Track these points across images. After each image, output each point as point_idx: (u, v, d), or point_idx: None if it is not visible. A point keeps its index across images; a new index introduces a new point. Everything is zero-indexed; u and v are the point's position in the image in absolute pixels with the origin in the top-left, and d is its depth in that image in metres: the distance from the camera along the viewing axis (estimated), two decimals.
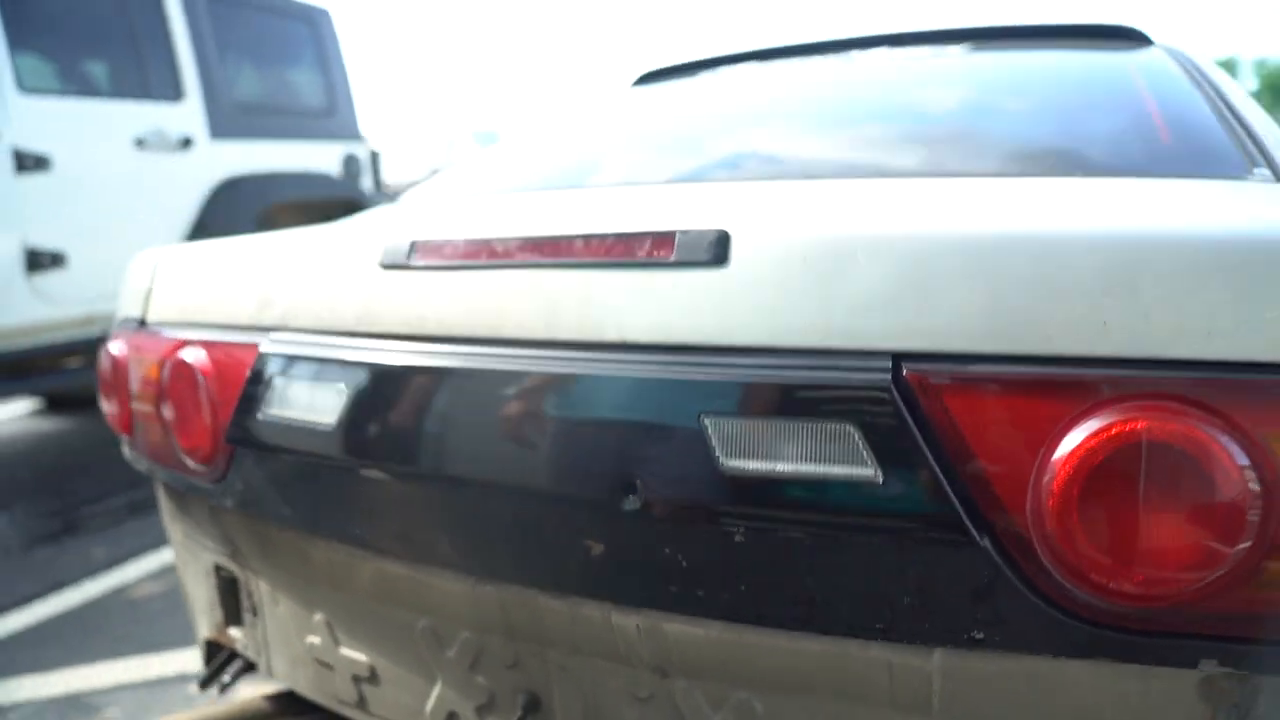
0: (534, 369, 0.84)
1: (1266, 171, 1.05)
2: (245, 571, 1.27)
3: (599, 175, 1.45)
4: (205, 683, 1.39)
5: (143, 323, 1.26)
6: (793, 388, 0.73)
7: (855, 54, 1.82)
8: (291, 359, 1.01)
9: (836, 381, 0.72)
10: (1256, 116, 1.31)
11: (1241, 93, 1.49)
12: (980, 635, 0.73)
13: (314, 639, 1.19)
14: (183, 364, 1.13)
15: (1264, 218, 0.76)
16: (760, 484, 0.75)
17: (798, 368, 0.74)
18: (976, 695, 0.77)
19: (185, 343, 1.15)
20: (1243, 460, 0.64)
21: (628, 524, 0.80)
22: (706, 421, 0.76)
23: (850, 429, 0.71)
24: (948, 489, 0.69)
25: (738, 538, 0.77)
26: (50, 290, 3.30)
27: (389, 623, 1.10)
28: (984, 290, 0.70)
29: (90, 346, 3.51)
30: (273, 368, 1.03)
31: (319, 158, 4.63)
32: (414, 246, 0.95)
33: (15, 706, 2.04)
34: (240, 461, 1.09)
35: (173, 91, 3.85)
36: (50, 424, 4.69)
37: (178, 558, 1.45)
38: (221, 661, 1.40)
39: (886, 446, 0.71)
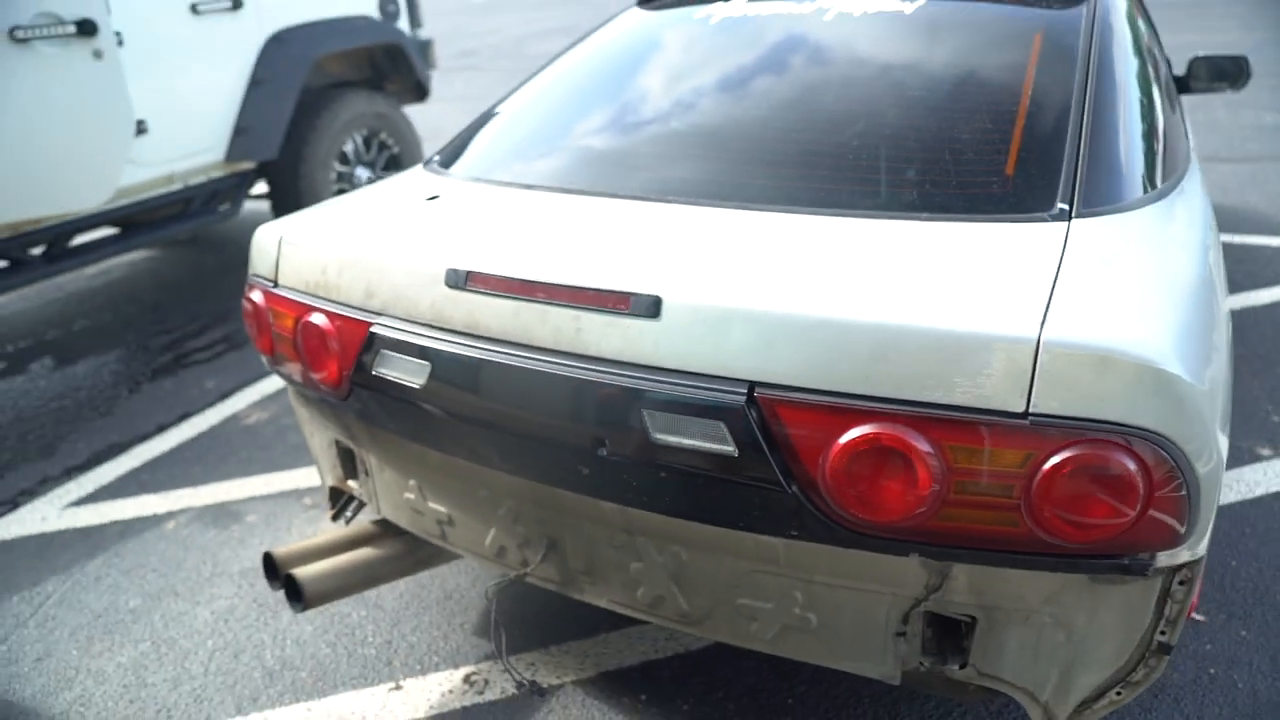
0: (546, 367, 1.38)
1: (1063, 206, 1.48)
2: (359, 447, 1.88)
3: (593, 175, 1.83)
4: (335, 516, 2.04)
5: (275, 283, 1.78)
6: (693, 396, 1.27)
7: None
8: (390, 338, 1.54)
9: (717, 396, 1.25)
10: (1123, 104, 1.68)
11: (1128, 64, 1.84)
12: (795, 533, 1.30)
13: (410, 495, 1.81)
14: (313, 325, 1.66)
15: (961, 306, 1.21)
16: (675, 450, 1.30)
17: (698, 385, 1.27)
18: (803, 559, 1.36)
19: (312, 309, 1.67)
20: (930, 452, 1.18)
21: (602, 462, 1.37)
22: (644, 411, 1.30)
23: (721, 424, 1.25)
24: (772, 462, 1.24)
25: (663, 474, 1.33)
26: (137, 155, 3.76)
27: (460, 491, 1.70)
28: (803, 351, 1.22)
29: (173, 200, 4.04)
30: (379, 341, 1.56)
31: (357, 2, 4.86)
32: (468, 276, 1.45)
33: (179, 512, 2.77)
34: (358, 392, 1.65)
35: None
36: (144, 267, 5.29)
37: (305, 428, 2.05)
38: (343, 502, 2.05)
39: (741, 436, 1.25)
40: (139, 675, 2.11)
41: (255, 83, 4.25)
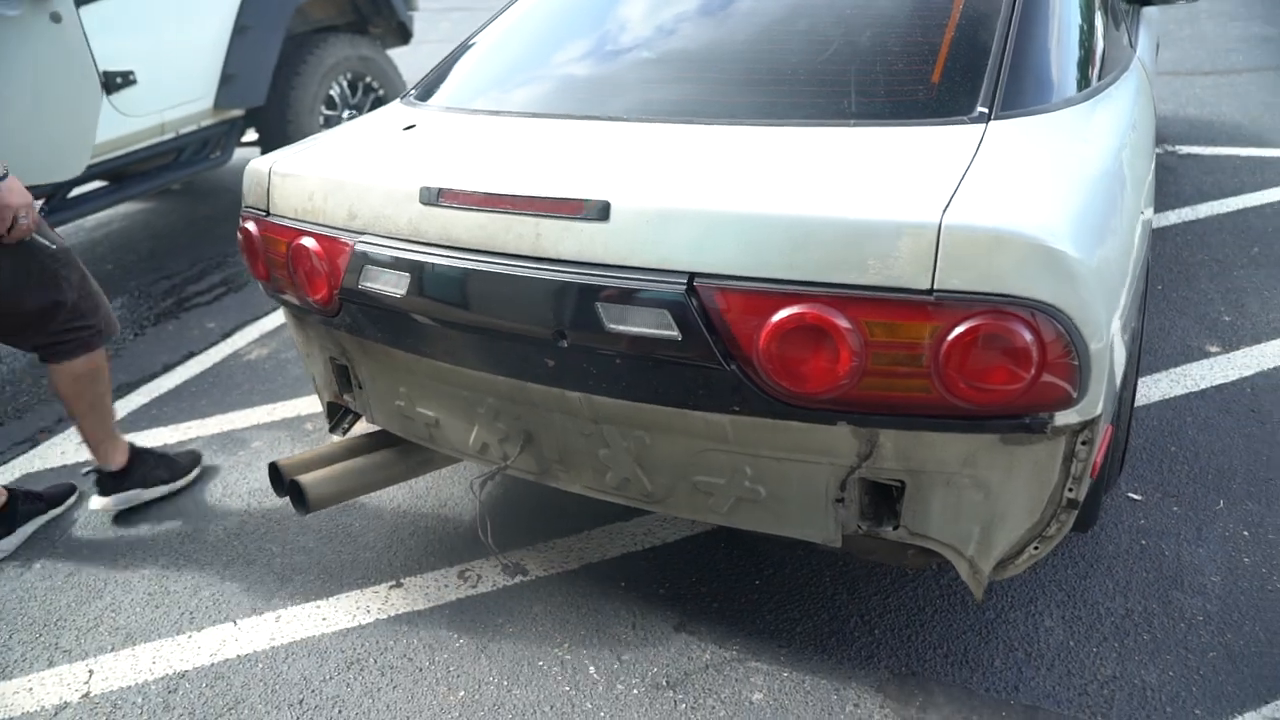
0: (514, 271, 1.52)
1: (983, 109, 1.61)
2: (351, 362, 2.03)
3: (551, 100, 1.97)
4: (333, 428, 2.21)
5: (267, 213, 1.92)
6: (641, 289, 1.41)
7: None
8: (372, 254, 1.68)
9: (661, 287, 1.40)
10: (1052, 13, 1.80)
11: None
12: (737, 408, 1.46)
13: (400, 402, 1.97)
14: (303, 248, 1.80)
15: (879, 191, 1.36)
16: (626, 337, 1.44)
17: (644, 278, 1.41)
18: (748, 434, 1.52)
19: (302, 233, 1.81)
20: (850, 329, 1.32)
21: (564, 353, 1.52)
22: (598, 305, 1.44)
23: (666, 312, 1.40)
24: (711, 344, 1.39)
25: (617, 361, 1.48)
26: (127, 106, 3.85)
27: (444, 394, 1.86)
28: (737, 243, 1.36)
29: (165, 150, 4.14)
30: (362, 257, 1.70)
31: None
32: (440, 193, 1.59)
33: (189, 441, 2.94)
34: (347, 307, 1.79)
35: None
36: (139, 218, 5.40)
37: (300, 349, 2.21)
38: (340, 415, 2.21)
39: (683, 321, 1.39)
40: (162, 584, 2.30)
41: (239, 30, 4.32)
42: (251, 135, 4.75)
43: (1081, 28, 1.94)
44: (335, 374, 2.12)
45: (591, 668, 1.92)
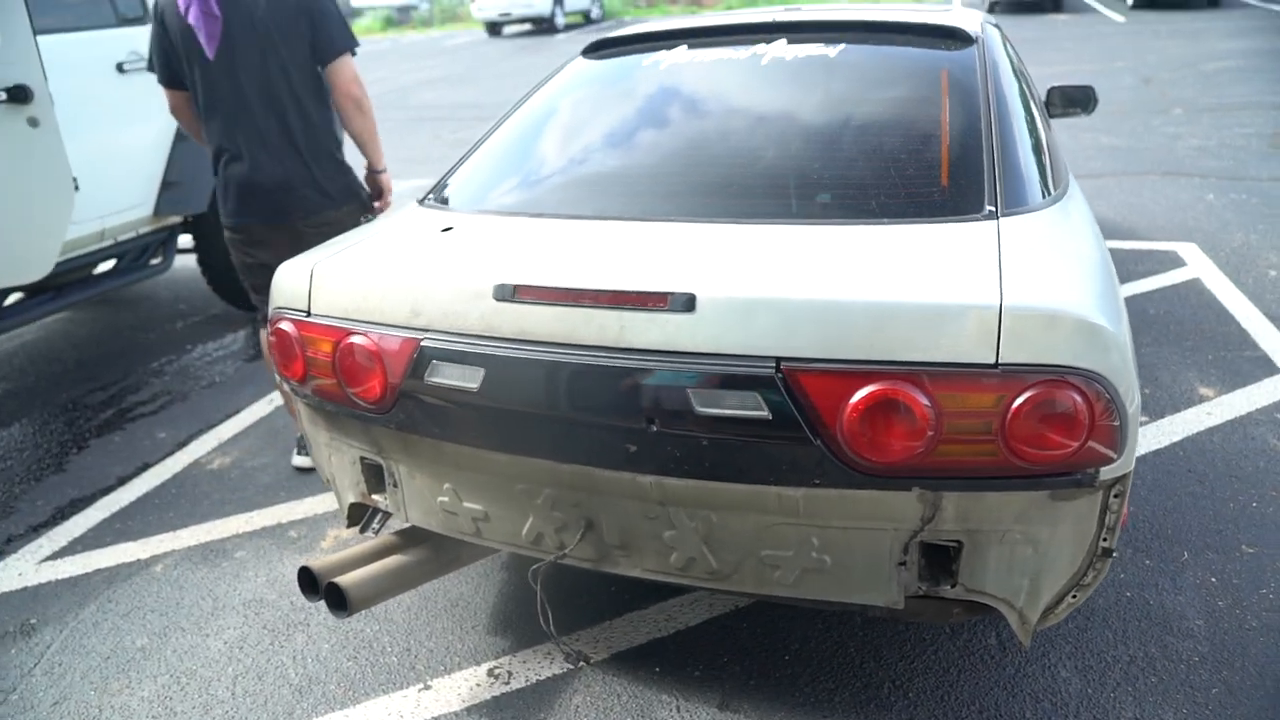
0: (597, 362, 1.61)
1: (990, 208, 1.84)
2: (388, 460, 2.04)
3: (594, 201, 2.12)
4: (362, 529, 2.19)
5: (308, 313, 1.95)
6: (731, 374, 1.53)
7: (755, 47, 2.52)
8: (441, 350, 1.74)
9: (751, 371, 1.52)
10: (1018, 126, 2.08)
11: (1014, 91, 2.25)
12: (818, 481, 1.58)
13: (444, 498, 1.98)
14: (355, 346, 1.84)
15: (935, 282, 1.54)
16: (716, 419, 1.55)
17: (733, 365, 1.53)
18: (820, 506, 1.63)
19: (352, 332, 1.85)
20: (926, 402, 1.47)
21: (650, 437, 1.61)
22: (688, 390, 1.55)
23: (756, 394, 1.52)
24: (799, 421, 1.51)
25: (704, 443, 1.58)
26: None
27: (497, 486, 1.90)
28: (818, 328, 1.50)
29: (104, 257, 4.03)
30: (430, 353, 1.75)
31: None
32: (516, 289, 1.68)
33: (163, 555, 2.81)
34: (403, 403, 1.83)
35: (141, 11, 4.17)
36: (56, 328, 5.16)
37: (322, 451, 2.19)
38: (368, 516, 2.20)
39: (772, 402, 1.52)
40: (166, 706, 2.18)
41: (180, 138, 4.30)
42: (186, 240, 4.67)
43: (1038, 135, 2.25)
44: (365, 473, 2.12)
45: None
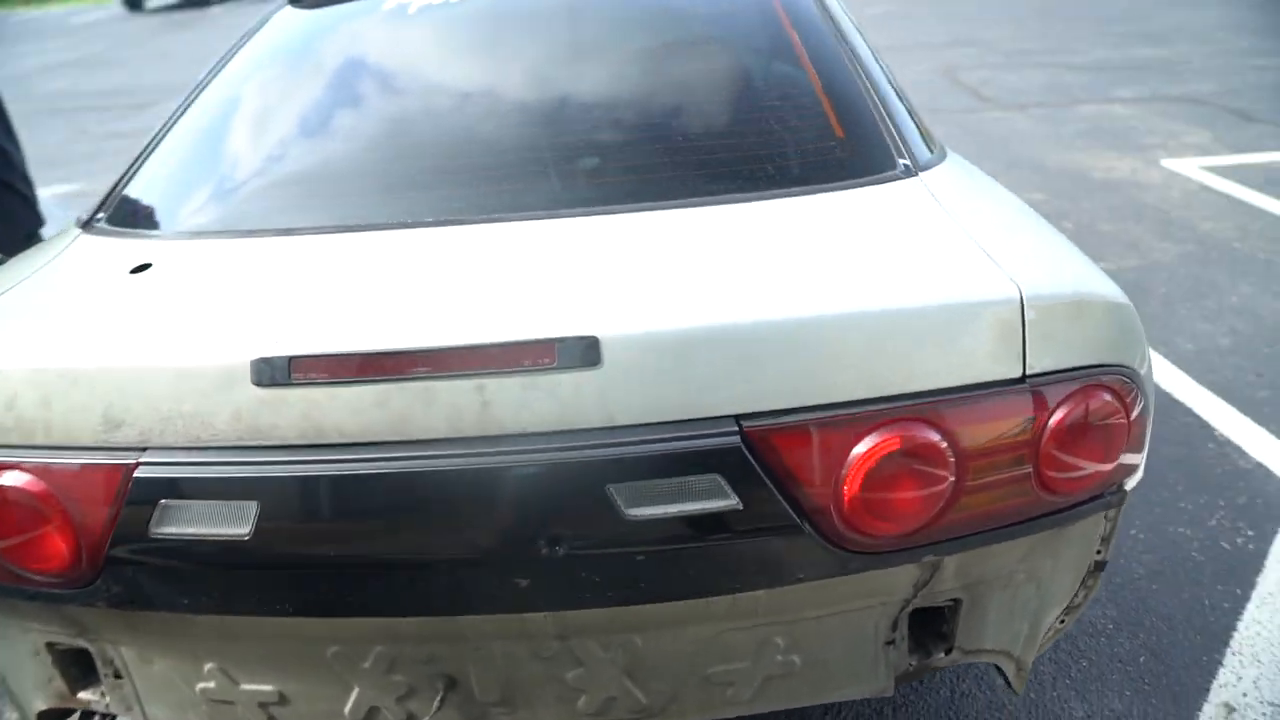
0: (448, 466, 1.01)
1: (905, 163, 1.44)
2: (99, 643, 1.29)
3: (371, 204, 1.45)
4: None
5: None
6: (672, 452, 1.00)
7: None
8: (175, 478, 1.05)
9: (702, 442, 1.00)
10: (878, 60, 1.67)
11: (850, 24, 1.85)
12: (800, 576, 1.10)
13: (207, 684, 1.29)
14: (10, 491, 1.09)
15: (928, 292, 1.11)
16: (655, 523, 1.02)
17: (671, 437, 1.00)
18: (788, 600, 1.16)
19: (6, 465, 1.10)
20: (945, 445, 1.04)
21: (553, 565, 1.04)
22: (609, 488, 1.00)
23: (717, 476, 1.01)
24: (783, 501, 1.02)
25: (639, 558, 1.05)
26: None
27: (296, 656, 1.24)
28: (790, 363, 1.01)
29: None
30: (152, 488, 1.05)
31: None
32: (291, 364, 1.02)
33: None
34: (115, 570, 1.11)
35: None
36: None
37: None
38: None
39: (742, 483, 1.01)
40: None
41: None
42: None
43: (892, 77, 1.88)
44: (58, 664, 1.35)
45: None
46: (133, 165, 1.62)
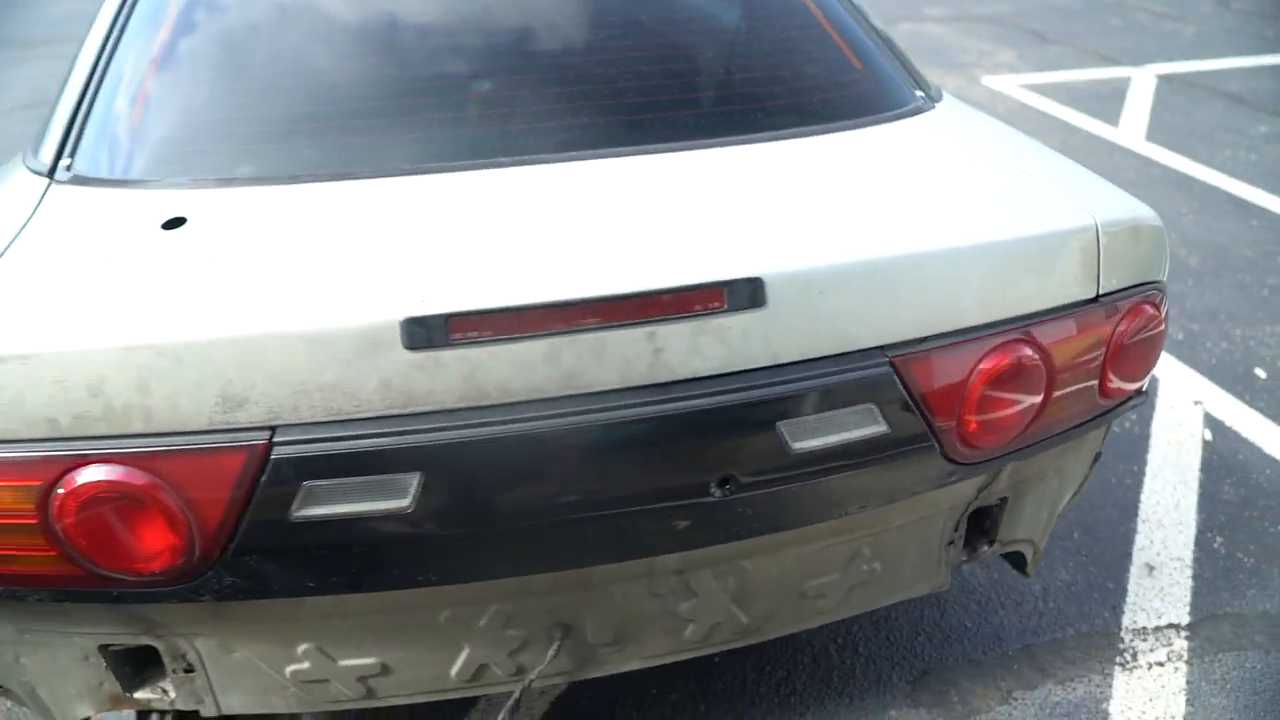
0: (621, 417, 1.00)
1: (919, 93, 1.52)
2: (169, 639, 1.19)
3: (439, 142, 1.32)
4: None
5: None
6: (832, 386, 1.05)
7: None
8: (319, 456, 0.97)
9: (858, 374, 1.06)
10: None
11: None
12: (916, 489, 1.20)
13: (300, 665, 1.22)
14: (105, 486, 0.97)
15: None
16: (816, 454, 1.07)
17: (831, 372, 1.05)
18: (884, 512, 1.26)
19: (89, 459, 0.97)
20: (1040, 359, 1.15)
21: (713, 507, 1.07)
22: (778, 425, 1.04)
23: (872, 405, 1.07)
24: (923, 423, 1.10)
25: (797, 488, 1.10)
26: None
27: (404, 625, 1.20)
28: (928, 296, 1.08)
29: None
30: (293, 469, 0.97)
31: None
32: (448, 323, 0.96)
33: None
34: (236, 561, 1.02)
35: None
36: None
37: (3, 656, 1.22)
38: None
39: (891, 410, 1.08)
40: None
41: None
42: None
43: None
44: (114, 668, 1.23)
45: None
46: (82, 102, 1.40)
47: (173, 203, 1.19)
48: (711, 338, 1.02)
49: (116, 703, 1.27)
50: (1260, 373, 2.70)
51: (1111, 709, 1.71)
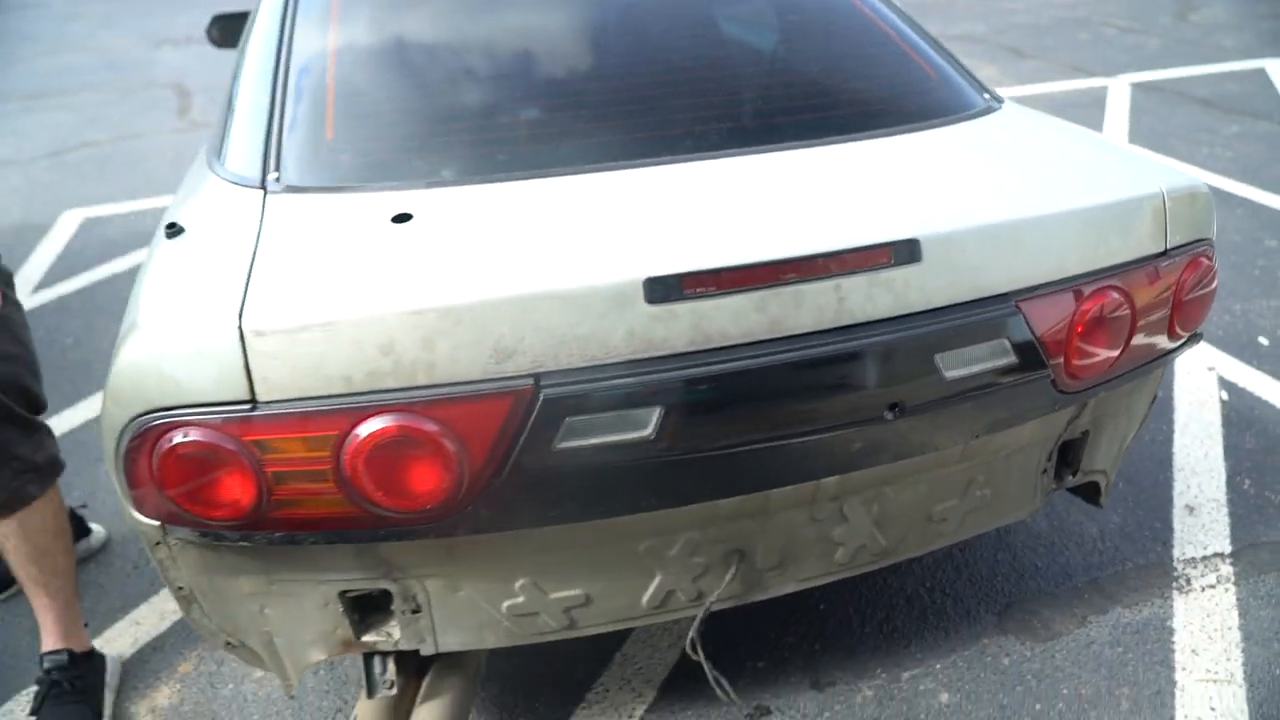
0: (817, 354, 1.24)
1: (986, 95, 1.78)
2: (405, 581, 1.39)
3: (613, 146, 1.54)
4: (371, 691, 1.48)
5: (253, 404, 1.17)
6: (973, 324, 1.29)
7: None
8: (581, 395, 1.19)
9: (993, 315, 1.30)
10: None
11: None
12: (1030, 415, 1.44)
13: (515, 600, 1.42)
14: (398, 430, 1.18)
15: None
16: (964, 381, 1.31)
17: (974, 314, 1.29)
18: (995, 440, 1.50)
19: (376, 409, 1.17)
20: (1126, 304, 1.40)
21: (884, 427, 1.30)
22: (935, 357, 1.28)
23: (1004, 340, 1.31)
24: (1040, 355, 1.34)
25: (946, 412, 1.33)
26: None
27: (610, 557, 1.41)
28: (1041, 251, 1.33)
29: None
30: (561, 406, 1.19)
31: None
32: (681, 280, 1.19)
33: None
34: (495, 493, 1.23)
35: None
36: None
37: (236, 607, 1.41)
38: (370, 669, 1.49)
39: (1018, 344, 1.32)
40: None
41: None
42: None
43: None
44: (350, 613, 1.43)
45: None
46: (273, 116, 1.56)
47: (391, 202, 1.40)
48: (882, 288, 1.26)
49: (347, 647, 1.46)
50: (1263, 340, 2.98)
51: (1175, 624, 1.95)
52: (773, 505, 1.41)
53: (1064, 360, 1.39)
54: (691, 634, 1.49)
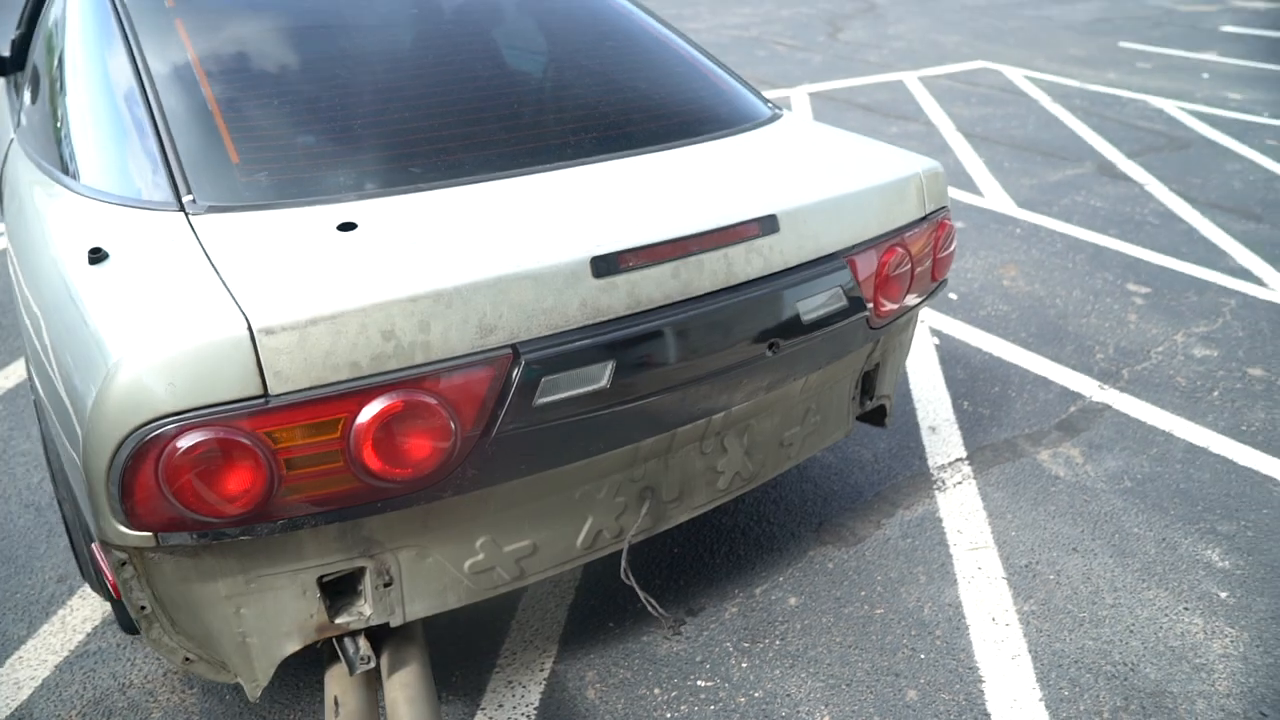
0: (717, 308, 1.55)
1: (771, 106, 2.22)
2: (380, 556, 1.51)
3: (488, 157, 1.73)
4: (353, 670, 1.55)
5: (267, 397, 1.24)
6: (820, 277, 1.68)
7: None
8: (548, 356, 1.40)
9: (831, 270, 1.70)
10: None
11: None
12: (852, 347, 1.87)
13: (476, 558, 1.59)
14: (406, 403, 1.31)
15: None
16: (816, 321, 1.69)
17: (819, 270, 1.68)
18: (828, 372, 1.92)
19: (380, 389, 1.30)
20: (905, 254, 1.88)
21: (765, 362, 1.65)
22: (796, 304, 1.65)
23: (839, 288, 1.71)
24: (863, 299, 1.77)
25: (805, 346, 1.71)
26: None
27: (553, 507, 1.63)
28: (855, 216, 1.76)
29: None
30: (536, 369, 1.39)
31: None
32: (618, 256, 1.46)
33: None
34: (480, 452, 1.40)
35: None
36: None
37: (212, 612, 1.45)
38: (344, 649, 1.57)
39: (848, 289, 1.73)
40: None
41: None
42: None
43: None
44: (325, 597, 1.52)
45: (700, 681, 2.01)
46: (160, 139, 1.57)
47: (324, 214, 1.50)
48: (755, 254, 1.61)
49: (321, 631, 1.52)
50: (953, 295, 3.78)
51: (942, 515, 2.51)
52: (676, 443, 1.71)
53: (874, 302, 1.84)
54: (623, 563, 1.77)
